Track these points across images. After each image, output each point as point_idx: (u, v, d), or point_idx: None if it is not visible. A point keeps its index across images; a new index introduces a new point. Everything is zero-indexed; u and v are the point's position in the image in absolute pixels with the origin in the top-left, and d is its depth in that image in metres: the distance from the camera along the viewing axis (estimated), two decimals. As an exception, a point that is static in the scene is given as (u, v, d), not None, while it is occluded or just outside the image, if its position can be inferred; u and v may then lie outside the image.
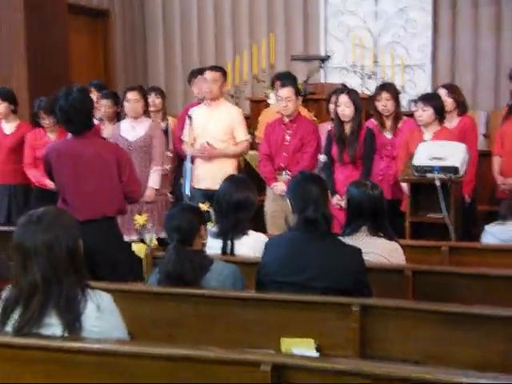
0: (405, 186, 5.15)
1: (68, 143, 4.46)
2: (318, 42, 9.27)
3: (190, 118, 5.61)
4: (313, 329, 2.85)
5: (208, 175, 5.80)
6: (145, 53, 9.98)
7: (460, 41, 8.72)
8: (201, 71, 6.39)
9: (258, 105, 7.50)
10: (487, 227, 4.38)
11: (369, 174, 5.42)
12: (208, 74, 5.92)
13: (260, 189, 6.46)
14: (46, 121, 5.98)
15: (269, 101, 6.97)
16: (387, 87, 5.90)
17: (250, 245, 3.75)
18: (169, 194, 6.11)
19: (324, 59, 7.45)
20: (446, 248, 3.92)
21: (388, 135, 5.85)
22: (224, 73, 6.03)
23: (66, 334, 2.37)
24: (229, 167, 5.88)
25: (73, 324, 2.37)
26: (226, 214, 3.73)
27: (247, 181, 3.90)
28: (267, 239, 3.83)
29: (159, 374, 2.27)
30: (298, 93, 5.79)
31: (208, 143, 5.80)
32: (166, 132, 6.34)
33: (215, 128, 5.84)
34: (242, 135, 5.96)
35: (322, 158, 5.42)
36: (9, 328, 2.42)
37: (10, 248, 2.45)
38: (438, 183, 4.67)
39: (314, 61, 8.33)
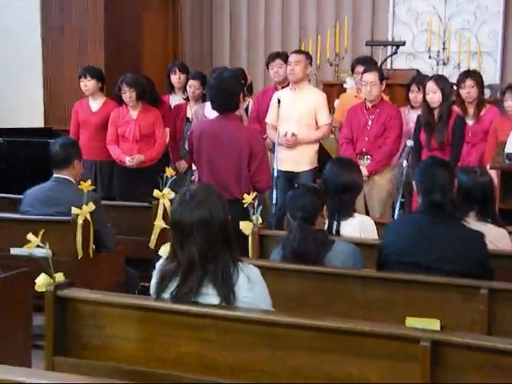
0: (493, 173, 5.19)
1: (210, 123, 4.75)
2: (386, 28, 9.26)
3: (279, 101, 5.69)
4: (438, 310, 2.93)
5: (290, 158, 5.90)
6: (210, 33, 10.06)
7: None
8: (278, 55, 6.47)
9: (331, 88, 7.58)
10: None
11: (457, 160, 5.47)
12: (291, 57, 6.02)
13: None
14: (127, 94, 6.09)
15: (345, 85, 7.04)
16: (472, 74, 5.93)
17: (356, 226, 3.83)
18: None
19: (399, 45, 7.46)
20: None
21: (470, 122, 5.88)
22: (307, 56, 6.11)
23: (222, 304, 2.51)
24: (310, 151, 6.00)
25: (228, 295, 2.51)
26: (332, 196, 3.81)
27: (353, 163, 3.99)
28: (372, 221, 3.95)
29: (312, 344, 2.38)
30: (382, 78, 5.85)
31: (293, 134, 5.87)
32: (246, 111, 6.45)
33: (300, 112, 5.92)
34: (325, 119, 6.04)
35: (409, 142, 5.47)
36: (166, 295, 2.56)
37: (169, 225, 2.58)
38: (530, 171, 4.72)
39: (382, 46, 8.41)
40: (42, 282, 2.61)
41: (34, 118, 7.94)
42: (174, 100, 6.85)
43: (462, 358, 2.17)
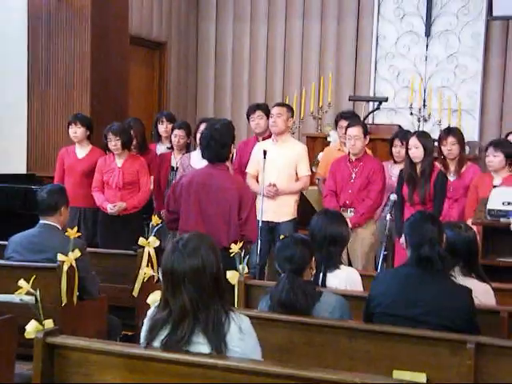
0: (475, 228, 5.26)
1: (200, 172, 4.77)
2: (368, 84, 9.45)
3: (265, 153, 5.77)
4: (424, 363, 2.95)
5: (271, 208, 5.95)
6: (195, 88, 10.21)
7: (510, 88, 8.89)
8: (258, 106, 6.59)
9: (314, 141, 7.70)
10: None
11: (439, 215, 5.52)
12: (274, 109, 6.15)
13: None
14: (113, 142, 6.16)
15: (329, 138, 7.15)
16: (453, 132, 6.05)
17: (343, 278, 3.86)
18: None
19: (381, 100, 7.62)
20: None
21: (451, 178, 5.98)
22: (289, 108, 6.22)
23: (212, 353, 2.51)
24: (291, 202, 6.07)
25: (219, 344, 2.51)
26: (319, 247, 3.84)
27: (341, 215, 4.04)
28: (358, 274, 3.98)
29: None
30: (365, 132, 5.95)
31: (273, 184, 5.93)
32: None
33: (282, 163, 6.00)
34: (305, 170, 6.13)
35: (393, 196, 5.55)
36: (156, 344, 2.56)
37: (161, 274, 2.59)
38: (512, 228, 4.80)
39: (365, 102, 8.61)
40: (31, 328, 2.59)
41: (16, 164, 7.93)
42: (161, 149, 6.92)
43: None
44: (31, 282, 2.72)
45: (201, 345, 2.54)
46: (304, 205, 6.28)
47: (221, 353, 2.51)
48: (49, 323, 2.65)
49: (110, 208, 6.10)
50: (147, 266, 4.95)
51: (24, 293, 2.71)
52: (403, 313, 3.13)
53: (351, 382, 2.34)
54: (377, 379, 2.32)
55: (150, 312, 2.69)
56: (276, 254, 3.36)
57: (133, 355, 2.58)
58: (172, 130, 6.72)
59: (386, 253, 5.40)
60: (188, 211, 4.74)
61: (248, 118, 6.56)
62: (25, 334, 2.64)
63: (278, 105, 6.26)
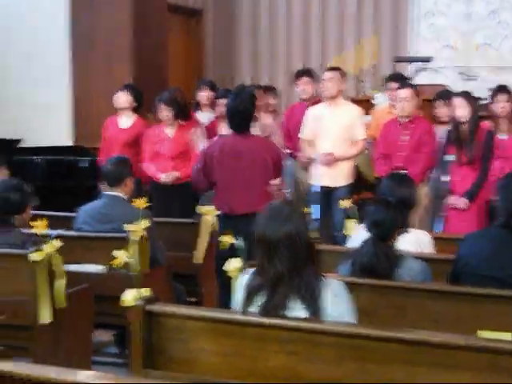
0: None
1: (228, 140, 4.73)
2: (406, 43, 9.35)
3: (320, 117, 5.77)
4: (510, 323, 2.97)
5: (326, 174, 5.96)
6: (233, 53, 10.16)
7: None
8: (304, 73, 6.56)
9: (359, 104, 7.63)
10: None
11: (486, 174, 5.52)
12: (326, 74, 6.12)
13: (367, 188, 6.67)
14: (165, 113, 6.16)
15: (374, 101, 7.11)
16: (506, 89, 5.99)
17: (412, 241, 3.87)
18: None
19: (427, 60, 7.54)
20: None
21: (504, 137, 5.93)
22: (341, 72, 6.19)
23: (309, 317, 2.56)
24: (347, 167, 6.09)
25: (315, 309, 2.56)
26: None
27: (409, 178, 4.05)
28: (428, 236, 3.99)
29: (401, 357, 2.42)
30: (416, 94, 5.92)
31: (329, 153, 5.93)
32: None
33: (337, 127, 5.98)
34: (362, 134, 6.11)
35: (450, 157, 5.52)
36: (253, 309, 2.61)
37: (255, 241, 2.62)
38: None
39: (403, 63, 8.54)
40: (130, 297, 2.65)
41: (62, 136, 8.01)
42: (201, 117, 6.89)
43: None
44: (126, 250, 2.75)
45: (297, 310, 2.59)
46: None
47: (317, 316, 2.56)
48: (146, 291, 2.71)
49: (164, 177, 6.12)
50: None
51: (122, 261, 2.74)
52: (491, 273, 3.15)
53: (455, 343, 2.37)
54: (479, 340, 2.35)
55: (244, 279, 2.73)
56: (366, 215, 3.37)
57: (230, 321, 2.64)
58: (215, 99, 6.71)
59: (444, 214, 5.39)
60: (226, 180, 4.71)
61: (294, 84, 6.53)
62: (122, 303, 2.69)
63: (330, 69, 6.24)
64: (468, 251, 3.29)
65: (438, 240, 4.00)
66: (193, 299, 4.99)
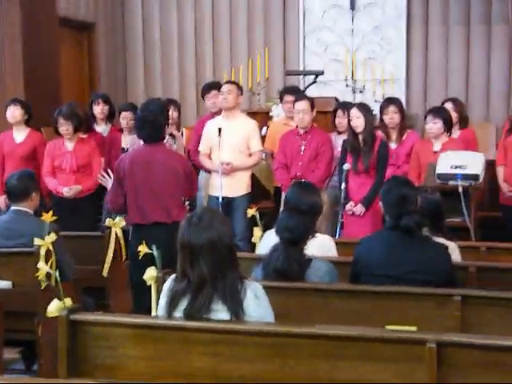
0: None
1: (139, 151, 4.79)
2: (297, 57, 9.66)
3: (219, 130, 5.91)
4: (414, 318, 3.19)
5: (225, 184, 6.09)
6: (126, 66, 10.16)
7: (432, 57, 9.30)
8: (213, 86, 6.72)
9: (257, 116, 7.84)
10: None
11: (382, 182, 5.80)
12: (224, 86, 6.31)
13: (266, 197, 6.86)
14: (64, 127, 6.16)
15: (271, 113, 7.34)
16: (394, 101, 6.37)
17: (316, 246, 4.06)
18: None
19: (318, 74, 7.85)
20: (484, 248, 4.36)
21: (393, 145, 6.27)
22: (238, 86, 6.37)
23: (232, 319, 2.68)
24: (245, 176, 6.25)
25: (238, 310, 2.68)
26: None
27: (314, 186, 4.23)
28: (332, 241, 4.19)
29: (322, 352, 2.58)
30: (312, 105, 6.17)
31: (227, 163, 6.07)
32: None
33: (234, 139, 6.15)
34: (257, 145, 6.31)
35: (346, 166, 5.78)
36: (177, 314, 2.70)
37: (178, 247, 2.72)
38: (460, 189, 5.13)
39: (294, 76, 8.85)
40: (54, 307, 2.67)
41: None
42: (99, 130, 6.90)
43: (466, 357, 2.43)
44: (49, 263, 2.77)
45: (220, 312, 2.70)
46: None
47: (240, 318, 2.68)
48: (68, 301, 2.74)
49: (66, 191, 6.10)
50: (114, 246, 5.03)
51: (44, 274, 2.76)
52: (386, 272, 3.38)
53: (371, 336, 2.55)
54: (395, 332, 2.53)
55: (166, 285, 2.82)
56: (277, 223, 3.52)
57: (155, 326, 2.71)
58: (109, 111, 6.76)
59: (342, 220, 5.65)
60: (137, 189, 4.76)
61: (203, 97, 6.70)
62: (47, 314, 2.71)
63: (228, 82, 6.44)
64: (364, 253, 3.52)
65: (339, 244, 4.21)
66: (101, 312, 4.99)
